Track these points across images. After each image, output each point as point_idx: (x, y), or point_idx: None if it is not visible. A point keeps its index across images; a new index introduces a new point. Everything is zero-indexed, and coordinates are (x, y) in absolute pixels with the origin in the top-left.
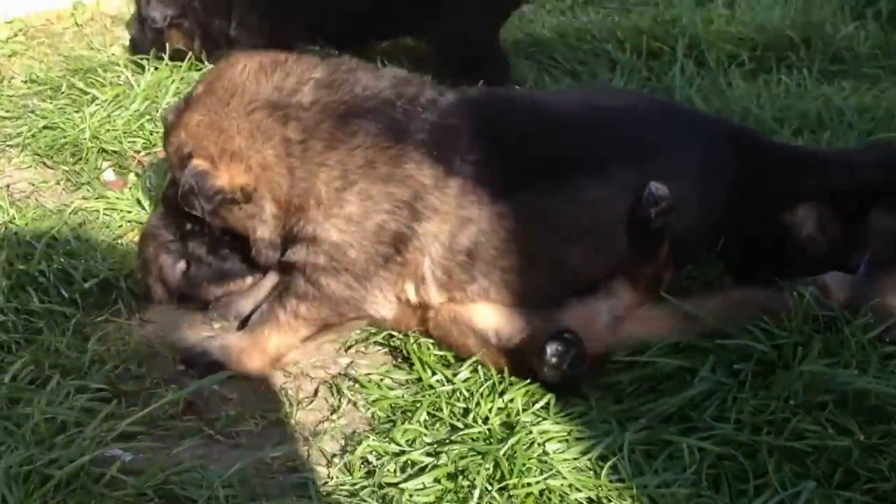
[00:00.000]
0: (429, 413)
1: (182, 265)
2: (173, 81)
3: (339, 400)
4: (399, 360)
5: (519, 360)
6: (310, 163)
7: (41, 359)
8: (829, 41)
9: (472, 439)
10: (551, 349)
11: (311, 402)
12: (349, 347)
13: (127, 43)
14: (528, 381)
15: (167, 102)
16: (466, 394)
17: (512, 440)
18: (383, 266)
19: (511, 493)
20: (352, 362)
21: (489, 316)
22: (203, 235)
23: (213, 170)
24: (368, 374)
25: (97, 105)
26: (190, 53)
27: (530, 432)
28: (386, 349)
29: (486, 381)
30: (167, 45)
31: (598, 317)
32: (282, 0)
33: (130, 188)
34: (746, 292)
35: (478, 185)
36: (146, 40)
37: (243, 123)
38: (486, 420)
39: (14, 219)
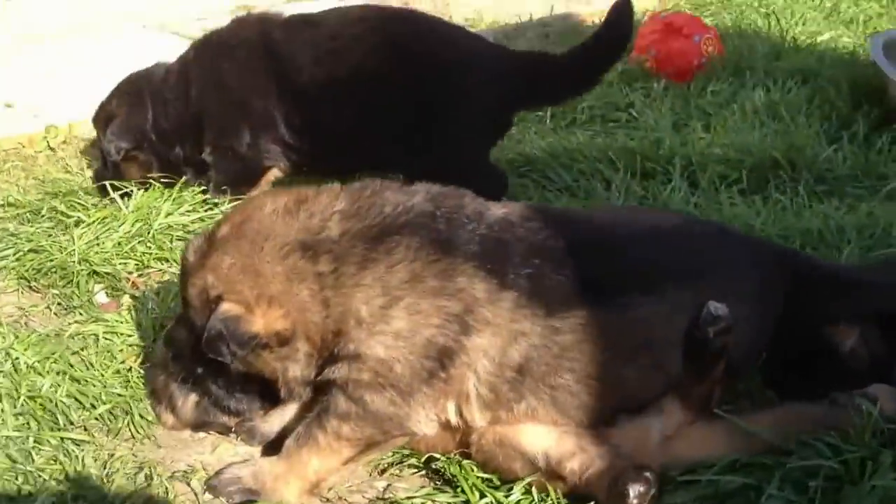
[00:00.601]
0: None
1: (194, 397)
2: (165, 201)
3: None
4: (439, 482)
5: (573, 486)
6: (344, 287)
7: (64, 489)
8: (813, 162)
9: None
10: (634, 491)
11: None
12: (384, 471)
13: (98, 164)
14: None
15: (159, 224)
16: None
17: None
18: (427, 382)
19: None
20: (389, 486)
21: (538, 438)
22: (215, 375)
23: (247, 315)
24: (410, 497)
25: (84, 228)
26: (183, 178)
27: None
28: (423, 472)
29: (540, 502)
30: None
31: (650, 436)
32: (259, 121)
33: (128, 310)
34: (801, 407)
35: (532, 298)
36: (107, 172)
37: (278, 268)
38: None
39: (13, 344)
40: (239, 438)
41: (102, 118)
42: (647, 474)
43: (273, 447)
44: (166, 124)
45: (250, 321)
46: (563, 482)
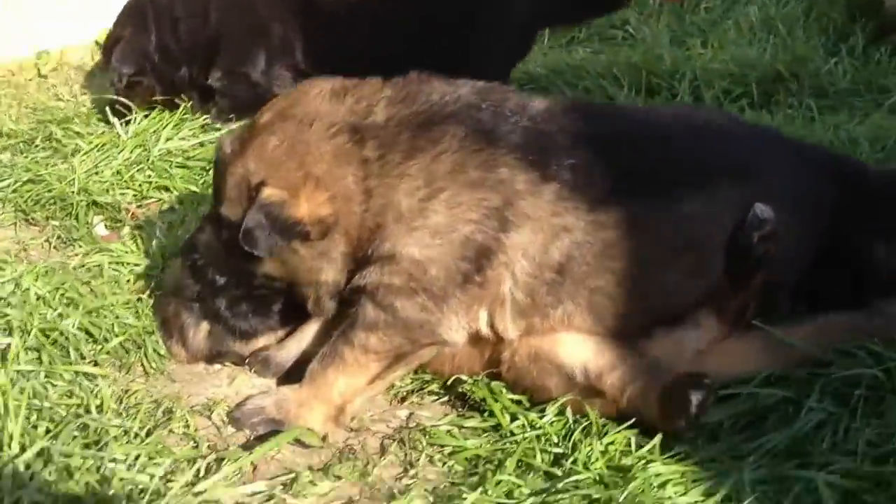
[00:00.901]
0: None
1: (205, 325)
2: (165, 127)
3: (411, 454)
4: (464, 408)
5: (612, 403)
6: (388, 177)
7: (84, 425)
8: (815, 75)
9: (575, 487)
10: (696, 399)
11: (382, 458)
12: (404, 399)
13: (94, 93)
14: (625, 423)
15: (159, 150)
16: (556, 439)
17: (631, 486)
18: (461, 287)
19: None
20: (411, 414)
21: (576, 350)
22: (229, 289)
23: (291, 199)
24: (435, 425)
25: (83, 156)
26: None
27: (643, 477)
28: (445, 398)
29: (575, 424)
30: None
31: (684, 349)
32: (276, 47)
33: (132, 240)
34: (841, 317)
35: (575, 190)
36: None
37: (326, 147)
38: (586, 466)
39: (23, 275)
40: (253, 371)
41: (109, 44)
42: (707, 381)
43: (289, 378)
44: (174, 44)
45: (294, 205)
46: (601, 399)
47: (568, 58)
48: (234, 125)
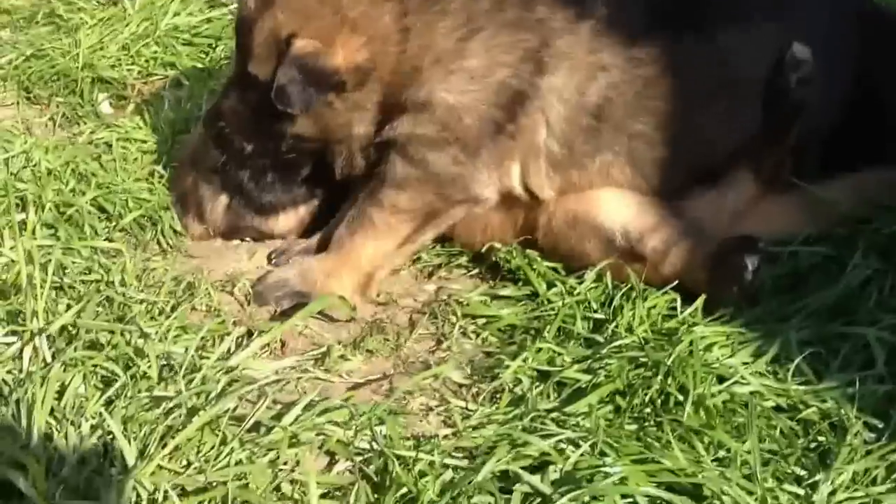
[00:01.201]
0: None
1: (224, 199)
2: (173, 1)
3: (443, 326)
4: (495, 279)
5: (654, 267)
6: (428, 12)
7: (107, 301)
8: None
9: (619, 352)
10: (752, 263)
11: (413, 331)
12: (430, 274)
13: None
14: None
15: (166, 25)
16: (596, 305)
17: (677, 349)
18: (493, 137)
19: (691, 405)
20: (440, 288)
21: (616, 211)
22: (255, 157)
23: (326, 48)
24: (467, 295)
25: (87, 30)
26: None
27: (688, 339)
28: (474, 271)
29: (615, 289)
30: None
31: (724, 209)
32: None
33: (139, 116)
34: (881, 173)
35: (612, 25)
36: None
37: None
38: (629, 330)
39: (33, 148)
40: (272, 262)
41: None
42: (761, 245)
43: None
44: None
45: (330, 55)
46: (642, 263)
47: None
48: None
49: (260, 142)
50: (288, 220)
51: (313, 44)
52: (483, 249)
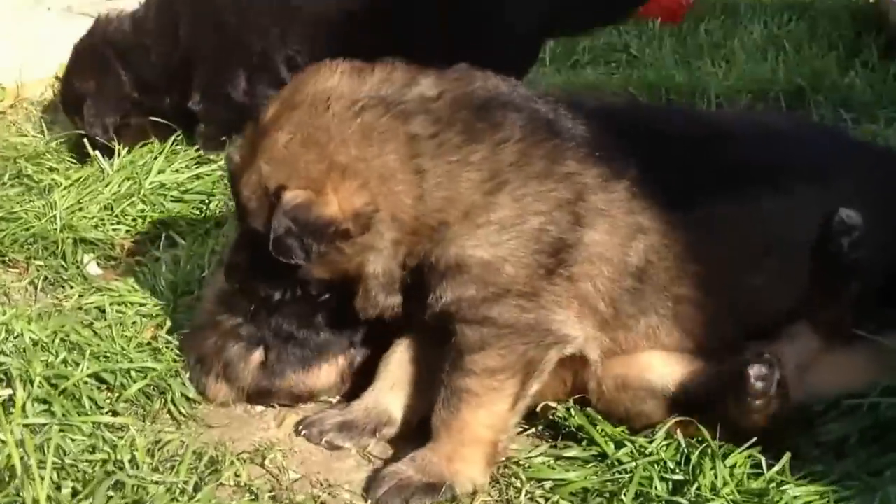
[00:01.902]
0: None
1: (258, 354)
2: (156, 159)
3: (508, 491)
4: (556, 438)
5: (710, 414)
6: (448, 161)
7: (117, 484)
8: (836, 89)
9: None
10: (755, 371)
11: (475, 497)
12: None
13: (64, 127)
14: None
15: (151, 183)
16: (672, 464)
17: None
18: (547, 279)
19: None
20: None
21: (666, 368)
22: (281, 306)
23: (318, 197)
24: (529, 457)
25: (62, 191)
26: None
27: (783, 501)
28: (531, 430)
29: (689, 447)
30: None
31: (784, 365)
32: (257, 64)
33: (133, 277)
34: None
35: (648, 188)
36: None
37: (351, 127)
38: (714, 492)
39: (12, 319)
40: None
41: (71, 102)
42: (767, 355)
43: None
44: (150, 73)
45: (322, 203)
46: (702, 413)
47: (578, 79)
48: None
49: (286, 291)
50: (330, 374)
51: (304, 194)
52: (538, 409)
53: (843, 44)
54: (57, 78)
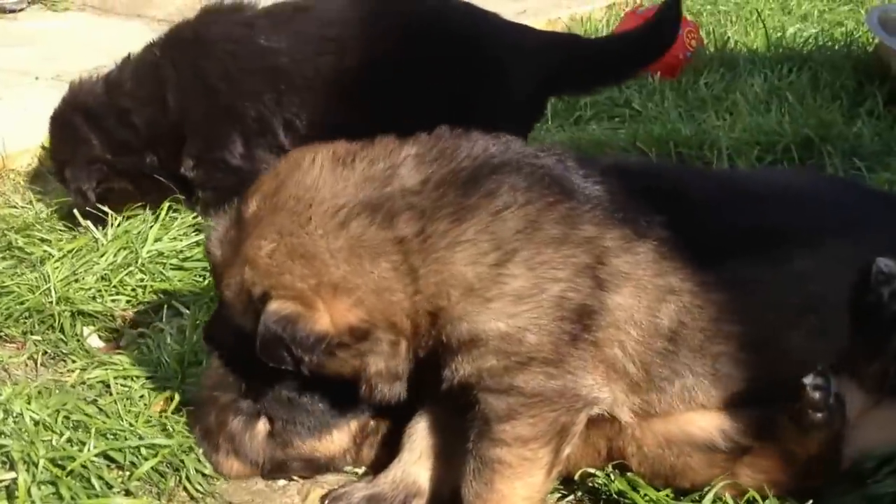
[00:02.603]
0: None
1: (262, 425)
2: (151, 226)
3: None
4: None
5: (763, 449)
6: (436, 251)
7: None
8: (844, 139)
9: None
10: (811, 381)
11: None
12: None
13: (54, 197)
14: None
15: (148, 252)
16: None
17: None
18: (572, 345)
19: None
20: None
21: (707, 419)
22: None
23: (307, 311)
24: None
25: (56, 262)
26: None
27: None
28: (569, 497)
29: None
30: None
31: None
32: (253, 128)
33: (136, 350)
34: None
35: (675, 249)
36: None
37: (338, 242)
38: None
39: (11, 398)
40: None
41: (57, 171)
42: (821, 368)
43: None
44: (128, 135)
45: (313, 319)
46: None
47: (583, 135)
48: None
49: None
50: (342, 439)
51: (292, 306)
52: (577, 476)
53: (845, 94)
54: (43, 147)
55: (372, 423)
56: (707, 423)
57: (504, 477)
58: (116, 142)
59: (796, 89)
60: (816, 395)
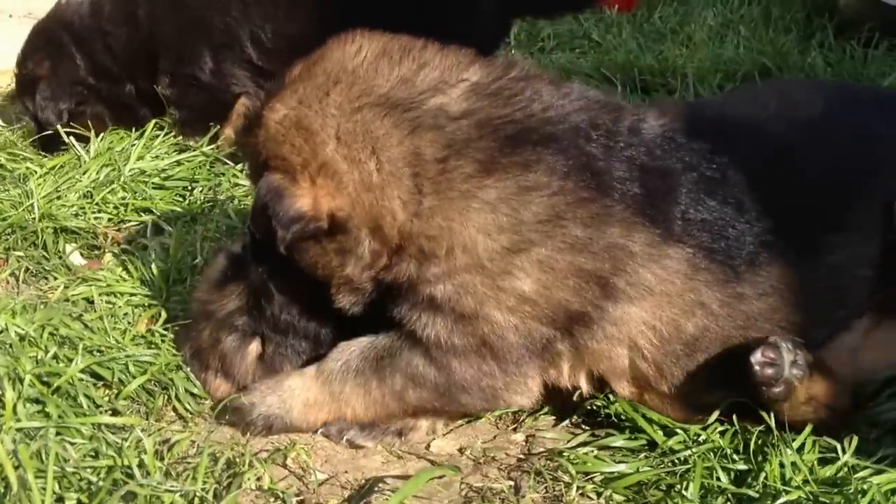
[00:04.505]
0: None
1: (255, 346)
2: (134, 145)
3: (555, 486)
4: (594, 427)
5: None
6: (452, 190)
7: (132, 490)
8: (801, 68)
9: None
10: (758, 359)
11: (520, 495)
12: (514, 421)
13: (28, 118)
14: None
15: (130, 170)
16: (730, 450)
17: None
18: (539, 354)
19: None
20: (530, 438)
21: None
22: (285, 293)
23: (292, 186)
24: (572, 448)
25: (38, 179)
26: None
27: (867, 488)
28: (567, 421)
29: (745, 433)
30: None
31: (839, 350)
32: (221, 42)
33: (121, 266)
34: None
35: (710, 255)
36: (50, 141)
37: (343, 123)
38: (785, 482)
39: None
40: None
41: (25, 85)
42: (771, 338)
43: None
44: (110, 61)
45: (294, 195)
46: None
47: (548, 62)
48: (207, 136)
49: (274, 274)
50: None
51: (278, 179)
52: (574, 398)
53: (796, 27)
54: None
55: None
56: None
57: (355, 392)
58: (100, 66)
59: (748, 22)
60: (768, 371)
